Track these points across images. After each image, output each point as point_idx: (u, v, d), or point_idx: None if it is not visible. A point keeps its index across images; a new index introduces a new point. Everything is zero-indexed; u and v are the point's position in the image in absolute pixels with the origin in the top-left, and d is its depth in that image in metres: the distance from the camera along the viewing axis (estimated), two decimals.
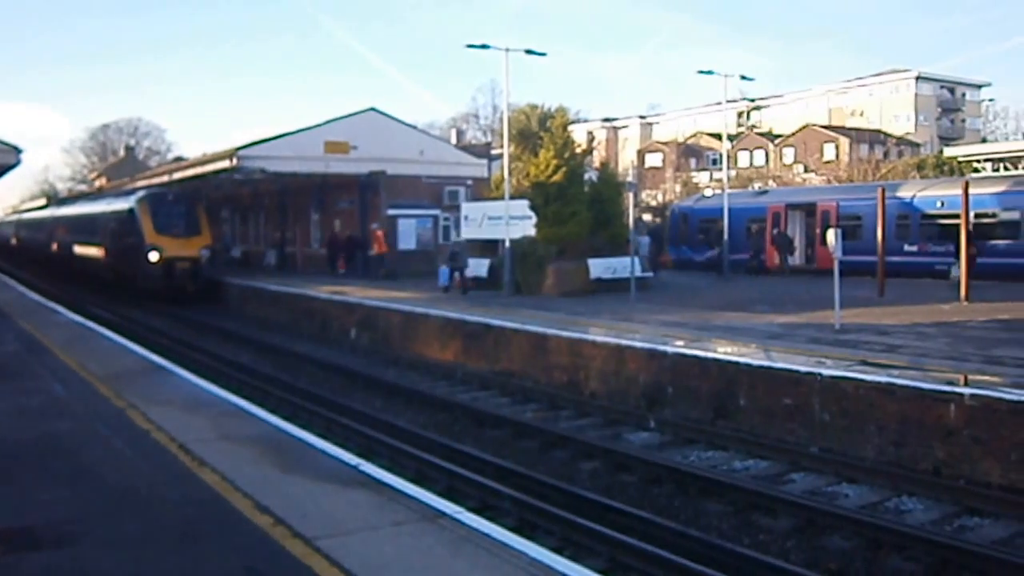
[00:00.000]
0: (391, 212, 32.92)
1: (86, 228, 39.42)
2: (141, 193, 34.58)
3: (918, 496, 9.43)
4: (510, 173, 25.16)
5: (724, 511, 9.09)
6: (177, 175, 38.79)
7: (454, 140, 58.03)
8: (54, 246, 46.94)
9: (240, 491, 6.61)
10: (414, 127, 40.18)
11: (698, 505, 9.29)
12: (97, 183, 75.42)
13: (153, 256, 30.41)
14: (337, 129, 33.03)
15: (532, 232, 24.35)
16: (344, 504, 6.41)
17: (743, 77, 32.37)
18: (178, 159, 64.75)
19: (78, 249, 40.62)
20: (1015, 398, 9.60)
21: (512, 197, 24.68)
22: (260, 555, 5.44)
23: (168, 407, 9.72)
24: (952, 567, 7.49)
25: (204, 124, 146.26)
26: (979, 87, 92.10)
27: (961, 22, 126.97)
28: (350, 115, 33.92)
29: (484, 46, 24.71)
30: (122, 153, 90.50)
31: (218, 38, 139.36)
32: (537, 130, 26.40)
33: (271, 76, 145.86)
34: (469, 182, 34.92)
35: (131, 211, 32.19)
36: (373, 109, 34.58)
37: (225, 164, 32.49)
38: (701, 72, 30.80)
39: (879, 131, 78.81)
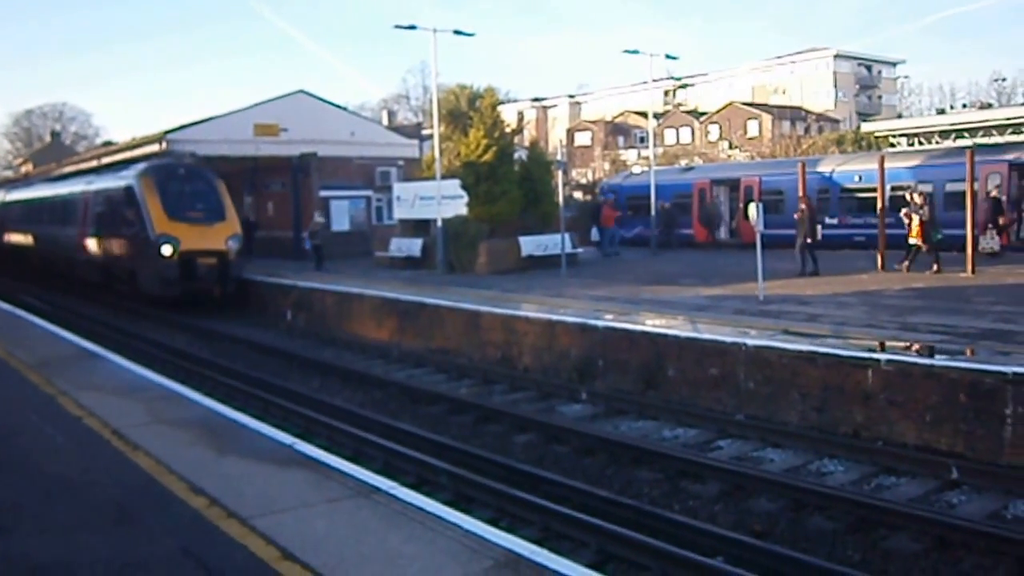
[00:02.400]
0: (324, 194, 32.63)
1: (54, 215, 31.25)
2: (142, 165, 26.23)
3: (839, 458, 9.83)
4: (441, 153, 25.15)
5: (655, 478, 9.34)
6: (106, 160, 37.58)
7: (385, 121, 57.54)
8: None
9: (175, 474, 6.59)
10: (345, 108, 39.93)
11: (630, 473, 9.53)
12: (23, 169, 72.93)
13: (166, 250, 22.72)
14: (267, 111, 32.66)
15: (464, 211, 24.44)
16: (280, 483, 6.44)
17: (668, 56, 32.76)
18: (107, 144, 62.82)
19: (38, 241, 32.72)
20: (928, 363, 10.07)
21: (444, 177, 24.69)
22: (196, 536, 5.46)
23: (101, 393, 9.57)
24: (870, 524, 7.85)
25: (132, 108, 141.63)
26: (895, 64, 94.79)
27: (878, 2, 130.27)
28: (279, 97, 33.67)
29: (412, 27, 24.60)
30: (48, 138, 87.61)
31: (143, 20, 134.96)
32: (467, 110, 26.40)
33: (199, 59, 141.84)
34: (401, 163, 34.83)
35: (128, 189, 24.49)
36: (302, 91, 34.37)
37: (154, 148, 31.71)
38: (627, 51, 30.99)
39: (800, 108, 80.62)
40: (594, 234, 31.52)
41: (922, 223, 19.83)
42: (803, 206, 20.80)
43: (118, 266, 25.60)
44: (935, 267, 19.42)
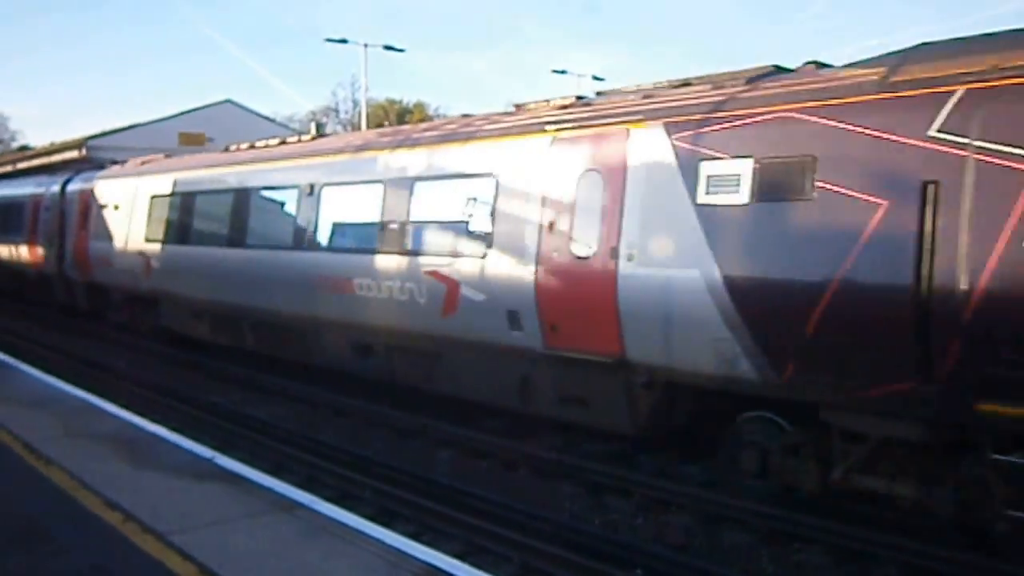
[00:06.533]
0: None
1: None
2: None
3: None
4: None
5: (576, 492, 9.44)
6: (22, 165, 36.46)
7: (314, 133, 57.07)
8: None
9: (89, 488, 6.47)
10: (273, 120, 39.69)
11: (552, 487, 9.61)
12: None
13: None
14: (192, 120, 32.31)
15: None
16: (198, 498, 6.39)
17: (595, 77, 33.50)
18: (23, 148, 60.82)
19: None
20: None
21: None
22: (109, 552, 5.38)
23: (12, 405, 9.34)
24: None
25: (52, 112, 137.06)
26: None
27: (801, 29, 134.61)
28: (207, 106, 33.34)
29: (343, 40, 24.74)
30: None
31: (68, 23, 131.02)
32: (396, 125, 26.48)
33: (124, 64, 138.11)
34: None
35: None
36: (230, 101, 34.08)
37: (74, 154, 30.98)
38: (555, 71, 31.72)
39: None
40: None
41: None
42: None
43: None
44: None
